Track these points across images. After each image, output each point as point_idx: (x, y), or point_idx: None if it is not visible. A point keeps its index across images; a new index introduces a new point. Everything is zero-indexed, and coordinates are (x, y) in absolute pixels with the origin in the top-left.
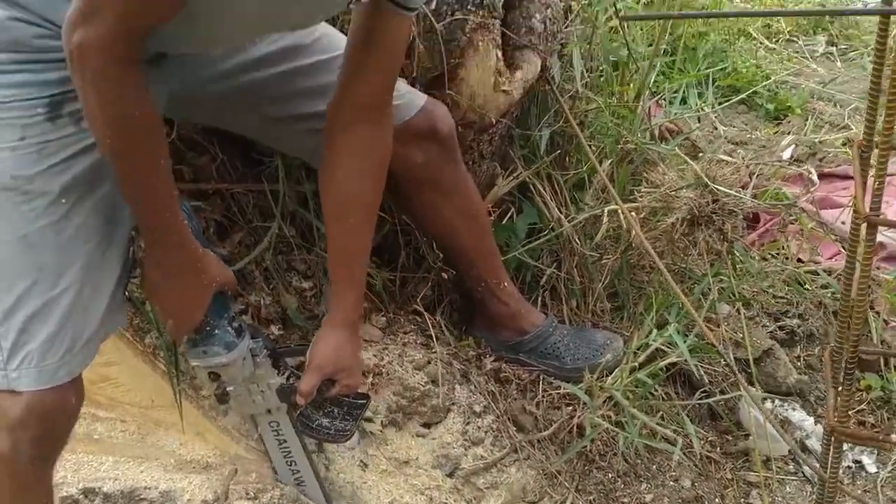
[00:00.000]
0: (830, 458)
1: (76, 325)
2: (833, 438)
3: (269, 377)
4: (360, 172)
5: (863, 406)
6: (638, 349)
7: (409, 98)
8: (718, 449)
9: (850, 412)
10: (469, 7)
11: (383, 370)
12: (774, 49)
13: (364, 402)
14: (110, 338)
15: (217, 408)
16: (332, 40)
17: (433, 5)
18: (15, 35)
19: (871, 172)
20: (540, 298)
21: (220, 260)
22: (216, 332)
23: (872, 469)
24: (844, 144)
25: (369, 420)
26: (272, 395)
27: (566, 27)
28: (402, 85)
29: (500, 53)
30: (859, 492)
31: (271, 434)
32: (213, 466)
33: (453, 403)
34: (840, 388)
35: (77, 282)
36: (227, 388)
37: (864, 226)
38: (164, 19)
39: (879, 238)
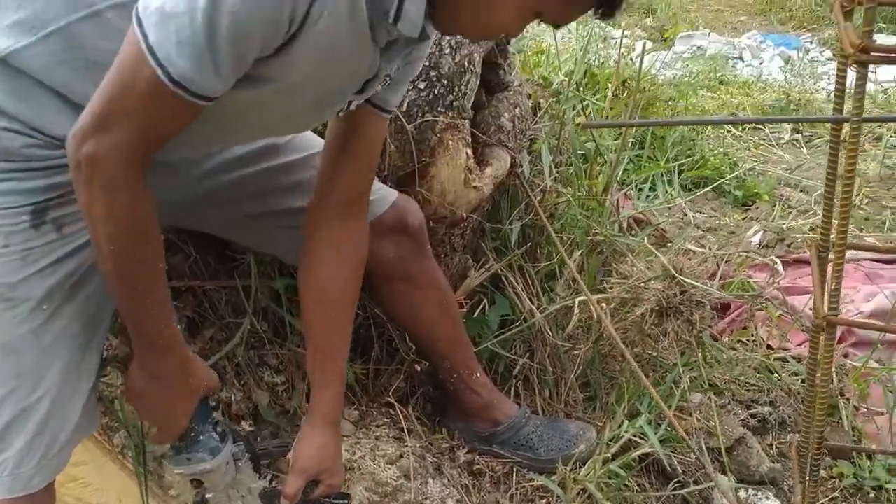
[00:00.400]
0: None
1: (52, 431)
2: None
3: (250, 481)
4: (340, 270)
5: (835, 494)
6: (611, 440)
7: (380, 194)
8: None
9: (823, 500)
10: (439, 108)
11: (355, 465)
12: (741, 136)
13: (346, 501)
14: None
15: None
16: (305, 138)
17: (404, 107)
18: (6, 144)
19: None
20: (513, 389)
21: (205, 364)
22: (201, 437)
23: None
24: (812, 230)
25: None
26: (254, 499)
27: (535, 124)
28: (374, 182)
29: (469, 151)
30: None
31: None
32: None
33: (426, 498)
34: (807, 481)
35: (55, 386)
36: (207, 496)
37: (823, 325)
38: (188, 123)
39: None
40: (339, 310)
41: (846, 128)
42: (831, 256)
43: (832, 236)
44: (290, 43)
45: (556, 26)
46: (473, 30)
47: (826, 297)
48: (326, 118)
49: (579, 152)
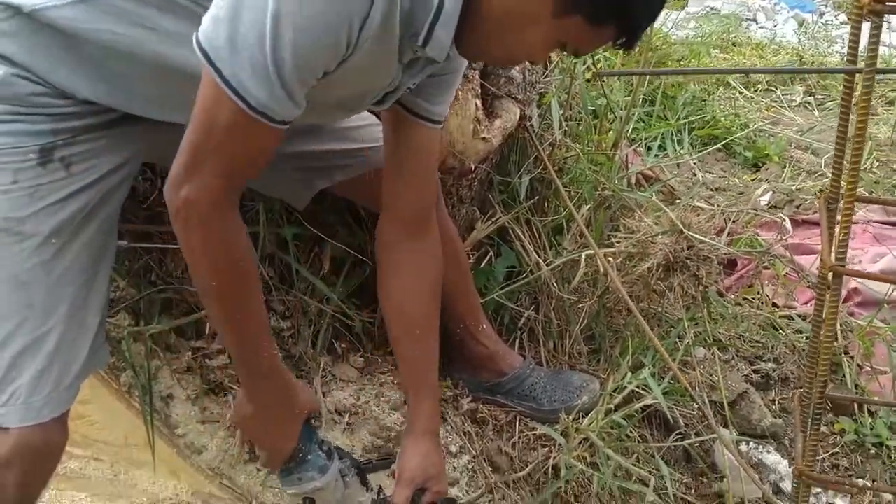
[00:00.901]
0: (800, 502)
1: (63, 363)
2: (801, 482)
3: (359, 495)
4: (418, 291)
5: (836, 450)
6: (614, 391)
7: None
8: (694, 491)
9: (824, 455)
10: None
11: (359, 410)
12: (753, 98)
13: None
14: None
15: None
16: None
17: None
18: (16, 90)
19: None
20: (518, 341)
21: (306, 385)
22: (308, 457)
23: None
24: (821, 192)
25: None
26: None
27: (545, 77)
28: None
29: (479, 102)
30: None
31: None
32: None
33: None
34: (808, 433)
35: (64, 320)
36: None
37: (830, 275)
38: (272, 151)
39: (854, 284)
40: (424, 328)
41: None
42: (840, 207)
43: (842, 188)
44: (340, 65)
45: (577, 55)
46: (499, 58)
47: (834, 248)
48: (339, 120)
49: (589, 108)
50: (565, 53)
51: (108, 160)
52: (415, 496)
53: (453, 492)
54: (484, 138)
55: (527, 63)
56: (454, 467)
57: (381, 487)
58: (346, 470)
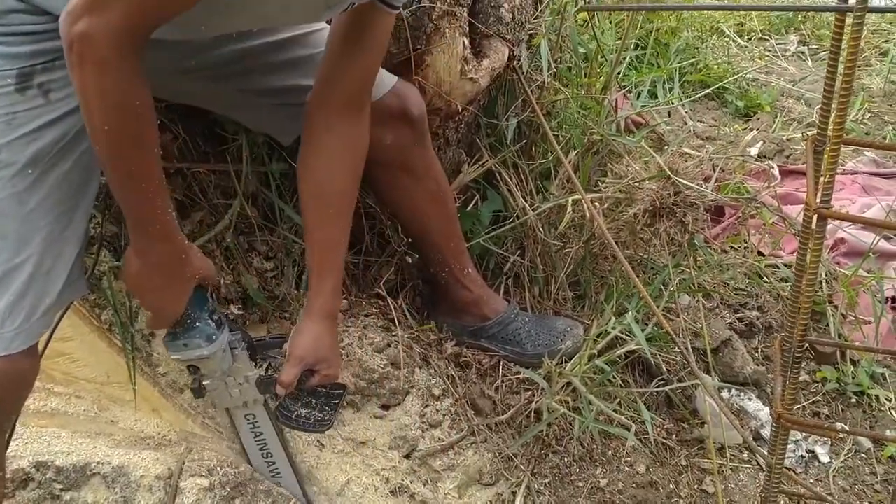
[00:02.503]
0: (778, 445)
1: (35, 296)
2: (780, 425)
3: (246, 370)
4: (341, 167)
5: (818, 398)
6: (598, 337)
7: (379, 78)
8: (674, 436)
9: (805, 402)
10: None
11: (343, 352)
12: (747, 47)
13: (342, 391)
14: (67, 313)
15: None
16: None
17: None
18: None
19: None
20: (503, 285)
21: (202, 253)
22: (197, 324)
23: (825, 459)
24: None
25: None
26: (250, 387)
27: (535, 18)
28: None
29: (466, 41)
30: (811, 481)
31: (247, 427)
32: (168, 443)
33: (412, 386)
34: (788, 377)
35: (38, 253)
36: (204, 382)
37: (814, 218)
38: (185, 9)
39: (840, 234)
40: (338, 204)
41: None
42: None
43: (829, 129)
44: None
45: None
46: None
47: (819, 191)
48: (322, 18)
49: (580, 50)
50: None
51: None
52: (303, 376)
53: (436, 433)
54: (471, 79)
55: (516, 2)
56: (437, 410)
57: (270, 365)
58: (236, 343)
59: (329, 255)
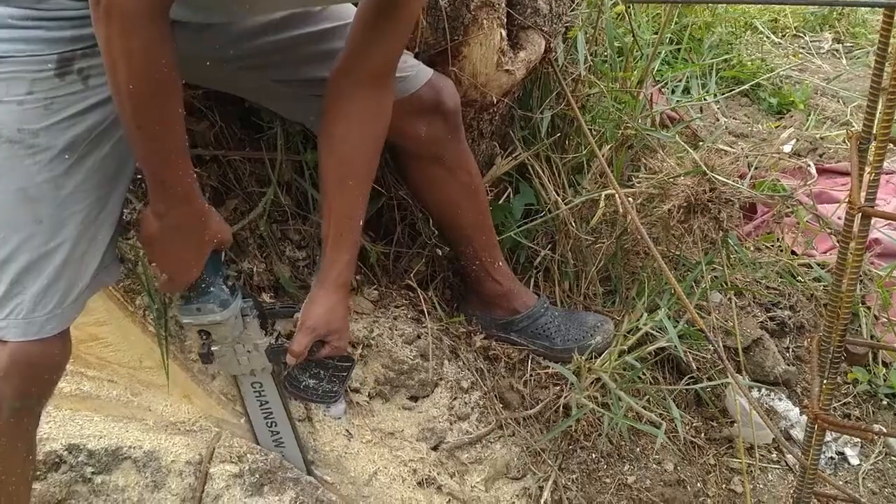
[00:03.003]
0: (813, 445)
1: (68, 281)
2: (816, 426)
3: (256, 338)
4: (361, 138)
5: (849, 399)
6: (628, 333)
7: (416, 71)
8: (703, 434)
9: (835, 404)
10: None
11: (373, 342)
12: (780, 44)
13: (350, 364)
14: (101, 298)
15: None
16: (341, 8)
17: None
18: None
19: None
20: (533, 279)
21: (221, 217)
22: (211, 289)
23: (855, 461)
24: (846, 141)
25: (356, 391)
26: (259, 355)
27: (572, 10)
28: (409, 58)
29: (504, 33)
30: (841, 483)
31: (253, 396)
32: (198, 429)
33: (441, 378)
34: (825, 377)
35: (72, 238)
36: (213, 349)
37: (857, 216)
38: None
39: (875, 234)
40: (358, 175)
41: None
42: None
43: (875, 127)
44: None
45: None
46: None
47: (863, 189)
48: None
49: (616, 44)
50: None
51: None
52: (313, 347)
53: (464, 426)
54: (507, 70)
55: None
56: (465, 402)
57: (279, 333)
58: (248, 310)
59: (346, 224)
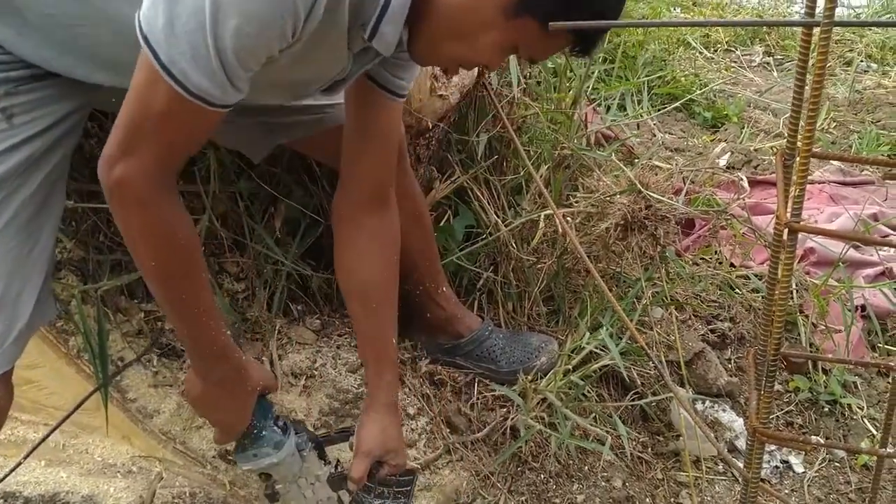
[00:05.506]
0: (754, 458)
1: (6, 320)
2: (755, 439)
3: (316, 469)
4: (375, 262)
5: (791, 407)
6: (572, 352)
7: None
8: (650, 449)
9: (778, 412)
10: None
11: (316, 372)
12: (713, 59)
13: (412, 477)
14: (33, 340)
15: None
16: None
17: None
18: None
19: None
20: (477, 302)
21: (260, 364)
22: (263, 433)
23: (800, 469)
24: (778, 149)
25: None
26: (322, 486)
27: None
28: None
29: None
30: (786, 491)
31: None
32: (139, 470)
33: None
34: (762, 390)
35: (6, 275)
36: (277, 487)
37: (785, 231)
38: (210, 136)
39: (810, 244)
40: (379, 297)
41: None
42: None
43: (798, 143)
44: (285, 51)
45: (532, 62)
46: (451, 62)
47: (789, 205)
48: (285, 102)
49: (549, 65)
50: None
51: (53, 111)
52: (372, 469)
53: (411, 453)
54: (441, 95)
55: None
56: (412, 429)
57: (338, 461)
58: (303, 444)
59: (381, 346)
